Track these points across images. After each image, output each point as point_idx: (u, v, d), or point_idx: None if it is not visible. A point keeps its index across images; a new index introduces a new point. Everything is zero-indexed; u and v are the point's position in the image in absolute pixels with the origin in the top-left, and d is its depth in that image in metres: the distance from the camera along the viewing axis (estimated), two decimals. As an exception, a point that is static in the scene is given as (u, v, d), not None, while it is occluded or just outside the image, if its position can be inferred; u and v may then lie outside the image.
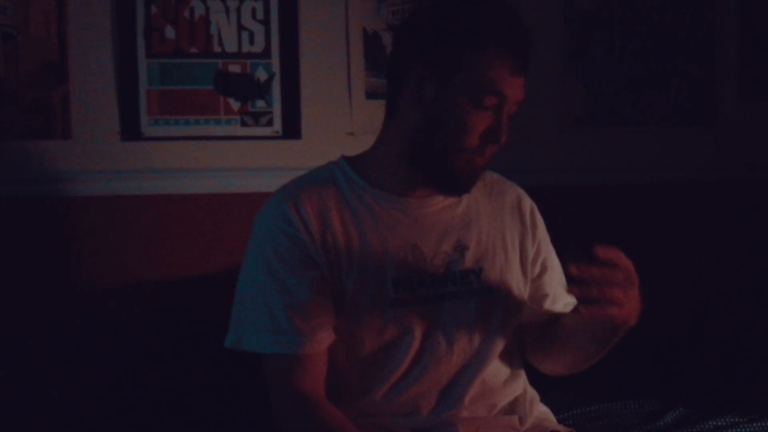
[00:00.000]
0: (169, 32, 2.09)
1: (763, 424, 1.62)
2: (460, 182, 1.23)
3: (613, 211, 2.26)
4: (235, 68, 2.12)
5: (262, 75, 2.13)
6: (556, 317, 1.34)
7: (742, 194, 2.35)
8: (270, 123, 2.14)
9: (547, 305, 1.35)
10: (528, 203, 1.37)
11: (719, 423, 1.64)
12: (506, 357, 1.32)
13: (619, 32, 2.30)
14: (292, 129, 2.15)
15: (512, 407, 1.31)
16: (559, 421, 1.43)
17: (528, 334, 1.36)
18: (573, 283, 1.06)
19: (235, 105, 2.12)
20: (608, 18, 2.30)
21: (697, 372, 2.00)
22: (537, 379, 1.40)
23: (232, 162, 2.12)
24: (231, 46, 2.12)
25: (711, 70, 2.34)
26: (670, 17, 2.32)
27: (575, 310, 1.16)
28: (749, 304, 2.29)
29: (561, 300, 1.36)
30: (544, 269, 1.35)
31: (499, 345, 1.29)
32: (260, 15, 2.12)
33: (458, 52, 1.15)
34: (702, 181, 2.34)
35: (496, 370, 1.30)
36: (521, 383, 1.35)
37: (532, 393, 1.38)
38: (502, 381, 1.31)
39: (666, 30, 2.32)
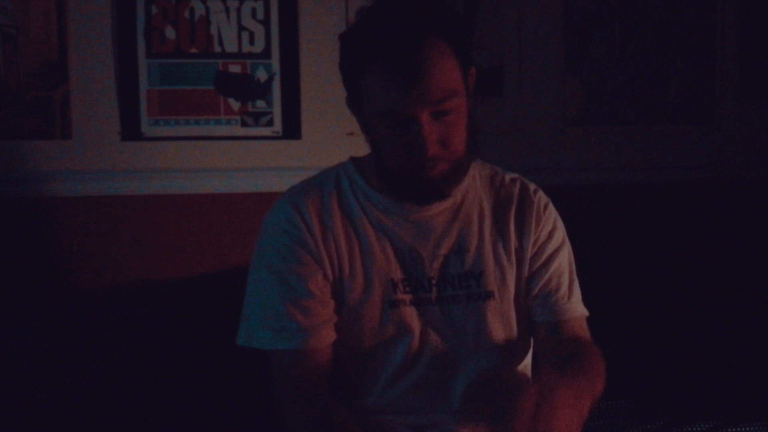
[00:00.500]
0: (170, 32, 2.09)
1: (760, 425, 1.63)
2: (416, 192, 1.21)
3: (613, 211, 2.27)
4: (235, 68, 2.13)
5: (262, 75, 2.13)
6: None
7: (742, 194, 2.35)
8: (270, 123, 2.14)
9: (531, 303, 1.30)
10: (535, 199, 1.31)
11: (716, 423, 1.64)
12: (508, 358, 1.31)
13: (619, 32, 2.30)
14: (292, 129, 2.15)
15: (508, 401, 1.31)
16: (559, 421, 1.42)
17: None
18: None
19: (235, 105, 2.13)
20: (609, 18, 2.30)
21: (697, 371, 2.00)
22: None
23: (232, 162, 2.12)
24: (231, 47, 2.12)
25: (711, 70, 2.34)
26: (670, 17, 2.32)
27: None
28: (749, 303, 2.29)
29: (542, 307, 1.29)
30: (536, 267, 1.29)
31: (499, 347, 1.28)
32: (260, 15, 2.12)
33: (354, 84, 1.17)
34: (702, 181, 2.34)
35: (496, 371, 1.29)
36: (522, 383, 1.34)
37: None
38: (502, 382, 1.30)
39: (666, 30, 2.32)
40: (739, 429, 1.62)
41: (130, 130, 2.08)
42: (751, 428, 1.62)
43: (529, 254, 1.29)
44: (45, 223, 2.05)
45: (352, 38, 1.17)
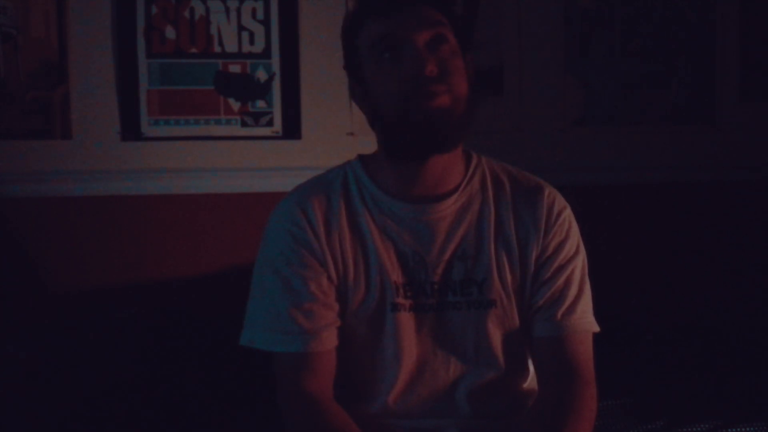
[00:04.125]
0: (170, 32, 2.09)
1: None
2: (416, 135, 1.16)
3: (613, 211, 2.26)
4: (235, 68, 2.12)
5: (262, 75, 2.13)
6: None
7: (742, 194, 2.35)
8: (270, 123, 2.14)
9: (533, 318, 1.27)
10: (546, 206, 1.27)
11: (716, 423, 1.64)
12: (511, 369, 1.29)
13: (619, 32, 2.30)
14: (292, 129, 2.15)
15: (514, 412, 1.31)
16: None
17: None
18: None
19: (235, 105, 2.13)
20: (608, 18, 2.30)
21: (697, 371, 2.00)
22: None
23: (232, 162, 2.12)
24: (231, 47, 2.12)
25: (711, 70, 2.34)
26: (670, 17, 2.32)
27: None
28: (749, 303, 2.29)
29: (542, 322, 1.26)
30: (542, 279, 1.26)
31: (502, 357, 1.27)
32: (260, 15, 2.12)
33: (352, 49, 1.22)
34: (702, 181, 2.34)
35: (497, 378, 1.28)
36: (524, 389, 1.33)
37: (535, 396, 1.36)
38: (504, 388, 1.29)
39: (666, 30, 2.32)
40: (739, 429, 1.62)
41: (130, 130, 2.08)
42: (751, 428, 1.62)
43: (533, 265, 1.25)
44: (45, 223, 2.05)
45: (350, 11, 1.23)
